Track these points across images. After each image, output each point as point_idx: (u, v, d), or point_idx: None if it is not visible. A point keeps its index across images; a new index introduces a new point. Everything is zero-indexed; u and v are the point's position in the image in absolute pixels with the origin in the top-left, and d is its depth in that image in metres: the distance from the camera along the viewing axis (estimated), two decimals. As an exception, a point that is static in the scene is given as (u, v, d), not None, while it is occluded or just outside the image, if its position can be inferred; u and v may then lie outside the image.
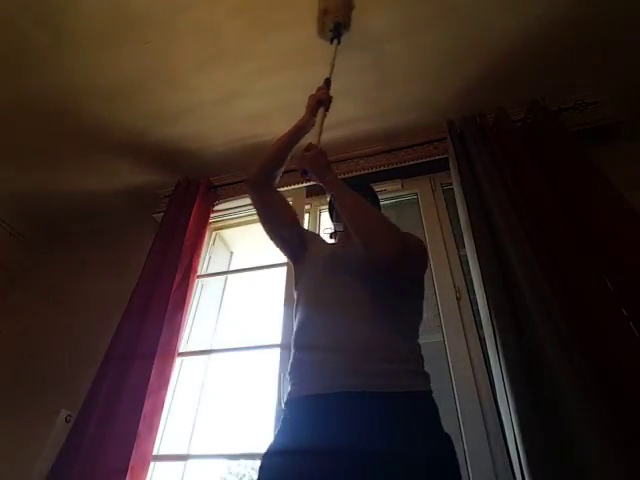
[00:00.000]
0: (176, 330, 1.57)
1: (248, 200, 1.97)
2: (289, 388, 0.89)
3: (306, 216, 1.83)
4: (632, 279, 1.09)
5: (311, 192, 1.89)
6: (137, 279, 1.70)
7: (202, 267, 1.92)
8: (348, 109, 1.74)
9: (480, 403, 1.22)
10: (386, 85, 1.64)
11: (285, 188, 1.92)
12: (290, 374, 0.91)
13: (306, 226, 1.81)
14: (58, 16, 1.38)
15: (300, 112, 1.75)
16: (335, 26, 1.35)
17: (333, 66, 1.33)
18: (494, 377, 1.14)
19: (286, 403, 0.88)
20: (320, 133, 1.15)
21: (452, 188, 1.60)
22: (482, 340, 1.30)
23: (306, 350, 0.91)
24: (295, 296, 1.07)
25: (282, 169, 1.17)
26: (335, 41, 1.35)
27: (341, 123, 1.81)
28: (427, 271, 1.04)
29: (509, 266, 1.18)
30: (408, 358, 0.86)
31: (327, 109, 1.23)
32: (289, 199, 1.87)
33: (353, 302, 0.92)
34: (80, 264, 2.22)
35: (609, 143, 1.57)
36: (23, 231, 2.35)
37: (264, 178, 1.14)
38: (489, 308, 1.16)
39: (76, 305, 2.03)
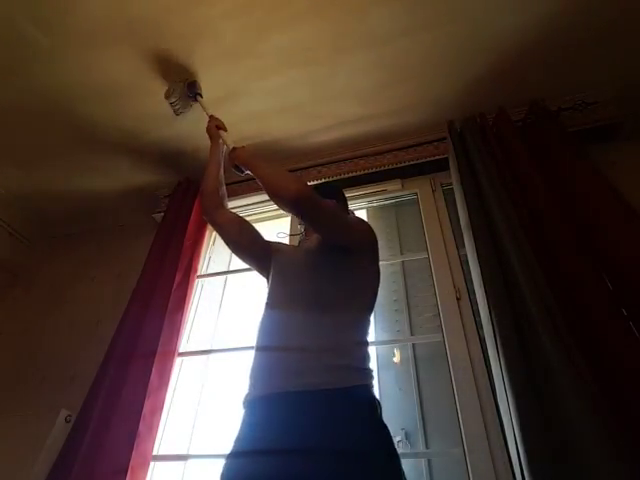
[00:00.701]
0: (176, 330, 1.57)
1: (248, 200, 1.99)
2: (247, 389, 0.94)
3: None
4: (632, 279, 1.09)
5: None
6: (137, 279, 1.70)
7: (202, 267, 1.92)
8: (348, 109, 1.74)
9: (480, 403, 1.22)
10: (386, 85, 1.64)
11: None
12: (249, 375, 0.96)
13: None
14: (58, 16, 1.38)
15: (300, 112, 1.76)
16: (188, 87, 1.56)
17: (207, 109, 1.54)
18: (494, 377, 1.14)
19: (242, 404, 0.93)
20: (227, 145, 1.37)
21: (452, 188, 1.60)
22: (482, 340, 1.30)
23: (258, 352, 0.97)
24: None
25: (223, 189, 1.36)
26: (198, 96, 1.57)
27: (341, 123, 1.81)
28: (429, 271, 1.05)
29: (509, 266, 1.18)
30: (341, 355, 0.89)
31: (225, 129, 1.46)
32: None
33: (295, 301, 0.99)
34: (80, 264, 2.22)
35: (609, 143, 1.57)
36: (23, 231, 2.35)
37: (208, 204, 1.29)
38: (489, 308, 1.16)
39: (76, 305, 2.03)
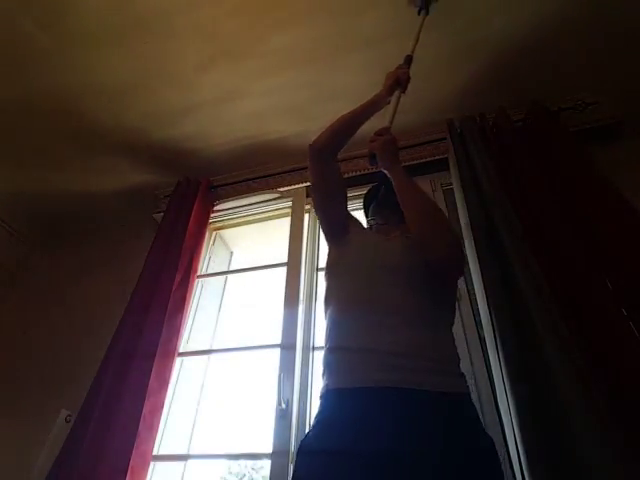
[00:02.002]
0: (176, 330, 1.57)
1: (248, 200, 1.99)
2: (325, 382, 0.86)
3: (306, 216, 1.83)
4: (632, 279, 1.09)
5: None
6: (137, 279, 1.70)
7: (202, 267, 1.92)
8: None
9: (480, 403, 1.21)
10: (417, 41, 1.62)
11: (285, 188, 1.92)
12: (329, 368, 0.87)
13: (306, 226, 1.80)
14: (59, 16, 1.38)
15: (300, 112, 1.76)
16: None
17: (417, 41, 1.27)
18: (494, 377, 1.14)
19: (322, 395, 0.85)
20: (393, 115, 1.15)
21: (452, 188, 1.60)
22: (482, 340, 1.30)
23: (345, 347, 0.88)
24: (328, 281, 1.04)
25: (348, 141, 1.15)
26: (423, 12, 1.31)
27: (341, 123, 1.80)
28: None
29: (509, 266, 1.18)
30: (451, 359, 0.86)
31: (404, 90, 1.21)
32: (289, 199, 1.90)
33: (398, 301, 0.90)
34: (80, 264, 2.22)
35: (609, 143, 1.57)
36: (23, 231, 2.35)
37: (332, 145, 1.12)
38: (489, 308, 1.16)
39: (76, 305, 2.03)
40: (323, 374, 0.89)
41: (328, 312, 0.98)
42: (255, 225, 2.07)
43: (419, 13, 1.33)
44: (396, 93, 1.19)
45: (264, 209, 1.99)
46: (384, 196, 1.19)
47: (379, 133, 1.10)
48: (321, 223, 1.16)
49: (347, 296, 0.96)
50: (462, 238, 0.94)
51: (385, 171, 1.07)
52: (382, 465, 0.68)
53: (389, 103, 1.17)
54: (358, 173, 1.85)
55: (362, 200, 1.53)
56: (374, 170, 1.12)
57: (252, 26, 1.43)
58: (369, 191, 1.31)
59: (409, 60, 1.26)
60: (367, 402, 0.76)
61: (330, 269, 1.07)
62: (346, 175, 1.84)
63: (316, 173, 1.12)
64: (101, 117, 1.74)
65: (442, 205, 1.70)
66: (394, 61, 1.54)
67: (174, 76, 1.59)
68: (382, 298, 0.91)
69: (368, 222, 1.26)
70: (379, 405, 0.75)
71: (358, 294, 0.95)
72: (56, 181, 2.10)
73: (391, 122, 1.12)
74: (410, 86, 1.63)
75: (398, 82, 1.21)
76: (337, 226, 1.11)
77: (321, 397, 0.85)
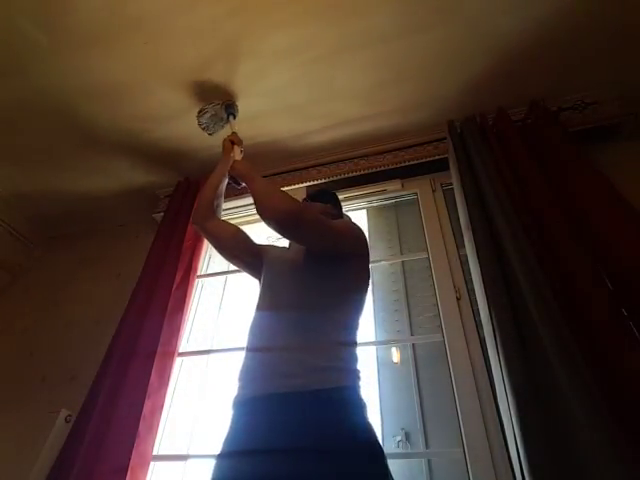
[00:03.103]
0: (176, 330, 1.57)
1: (248, 200, 1.98)
2: (235, 391, 0.95)
3: (306, 216, 1.83)
4: (632, 279, 1.09)
5: (311, 192, 1.89)
6: (137, 279, 1.70)
7: (202, 267, 1.92)
8: (348, 109, 1.74)
9: (480, 403, 1.22)
10: (386, 85, 1.64)
11: (286, 188, 1.92)
12: (237, 377, 0.97)
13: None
14: (57, 16, 1.38)
15: (299, 112, 1.76)
16: (226, 107, 1.61)
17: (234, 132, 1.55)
18: (494, 377, 1.14)
19: (231, 406, 0.94)
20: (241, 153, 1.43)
21: (452, 188, 1.60)
22: (482, 340, 1.30)
23: (247, 353, 0.99)
24: None
25: (220, 201, 1.38)
26: (231, 117, 1.61)
27: (341, 123, 1.81)
28: (429, 271, 1.05)
29: (509, 266, 1.18)
30: (327, 356, 0.89)
31: (240, 145, 1.48)
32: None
33: (280, 303, 1.00)
34: (80, 264, 2.22)
35: (609, 143, 1.57)
36: (23, 231, 2.35)
37: (203, 215, 1.30)
38: (489, 308, 1.16)
39: (76, 305, 2.03)
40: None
41: None
42: (255, 225, 2.07)
43: (229, 120, 1.62)
44: (236, 148, 1.44)
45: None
46: None
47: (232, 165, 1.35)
48: (246, 272, 1.30)
49: (256, 305, 1.09)
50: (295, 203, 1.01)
51: (244, 184, 1.24)
52: (261, 464, 0.77)
53: (233, 159, 1.40)
54: (358, 173, 1.86)
55: (362, 199, 1.55)
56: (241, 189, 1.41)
57: (252, 26, 1.43)
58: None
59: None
60: (251, 410, 0.87)
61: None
62: (352, 174, 1.84)
63: (209, 239, 1.30)
64: (101, 117, 1.74)
65: (442, 205, 1.71)
66: (393, 61, 1.55)
67: (174, 76, 1.59)
68: (271, 301, 1.03)
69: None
70: (258, 411, 0.85)
71: (259, 301, 1.09)
72: (56, 181, 2.10)
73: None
74: (410, 86, 1.64)
75: (233, 142, 1.46)
76: (254, 265, 1.24)
77: (230, 407, 0.94)
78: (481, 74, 1.59)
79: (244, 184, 1.25)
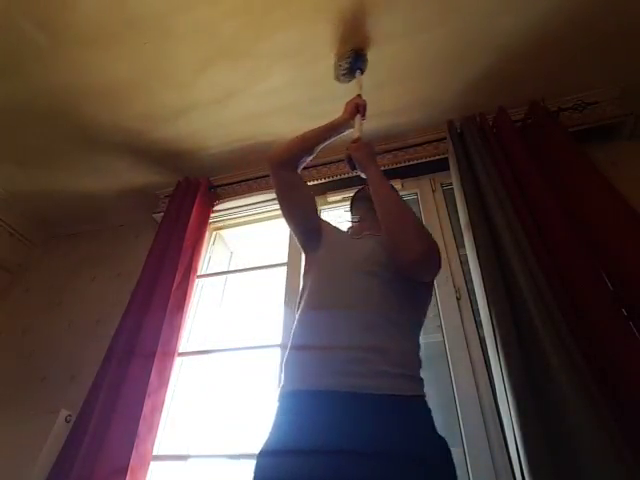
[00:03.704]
0: (176, 330, 1.57)
1: (248, 200, 1.99)
2: (282, 382, 0.88)
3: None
4: (632, 279, 1.09)
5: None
6: (137, 279, 1.70)
7: (202, 267, 1.92)
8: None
9: (480, 403, 1.21)
10: (386, 85, 1.64)
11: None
12: (286, 368, 0.89)
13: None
14: (57, 16, 1.38)
15: (299, 112, 1.76)
16: (355, 57, 1.45)
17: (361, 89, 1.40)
18: (494, 377, 1.14)
19: (279, 397, 0.86)
20: (360, 133, 1.22)
21: (452, 188, 1.60)
22: (482, 340, 1.30)
23: (305, 346, 0.90)
24: (301, 285, 1.06)
25: (308, 159, 1.16)
26: (358, 72, 1.45)
27: (341, 123, 1.80)
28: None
29: (509, 266, 1.18)
30: (402, 361, 0.85)
31: (363, 116, 1.28)
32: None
33: (357, 301, 0.90)
34: (80, 264, 2.22)
35: (609, 143, 1.57)
36: (23, 231, 2.35)
37: (289, 158, 1.12)
38: (489, 308, 1.16)
39: (76, 305, 2.03)
40: (280, 374, 0.90)
41: (297, 313, 1.00)
42: (255, 225, 2.07)
43: (356, 75, 1.47)
44: (357, 119, 1.26)
45: (264, 209, 2.00)
46: (365, 195, 1.20)
47: (354, 141, 1.16)
48: (294, 233, 1.16)
49: (311, 296, 0.97)
50: (434, 242, 0.92)
51: (362, 173, 1.10)
52: (323, 465, 0.70)
53: (350, 128, 1.25)
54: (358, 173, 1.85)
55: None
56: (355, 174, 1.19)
57: (251, 26, 1.43)
58: (355, 192, 1.32)
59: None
60: (316, 405, 0.78)
61: (305, 274, 1.08)
62: (349, 175, 1.84)
63: (275, 185, 1.13)
64: (101, 117, 1.74)
65: (442, 205, 1.71)
66: (393, 61, 1.55)
67: (173, 76, 1.59)
68: (343, 297, 0.91)
69: (350, 221, 1.28)
70: (325, 407, 0.77)
71: (321, 293, 0.96)
72: (56, 181, 2.10)
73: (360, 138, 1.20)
74: (410, 86, 1.64)
75: (358, 109, 1.27)
76: (308, 234, 1.12)
77: (278, 399, 0.86)
78: (481, 74, 1.59)
79: (362, 174, 1.10)
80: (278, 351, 1.46)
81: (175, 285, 1.64)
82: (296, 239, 1.16)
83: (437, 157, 1.76)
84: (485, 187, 1.39)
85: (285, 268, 1.69)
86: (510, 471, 1.08)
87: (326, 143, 1.19)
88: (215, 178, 2.05)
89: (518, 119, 1.64)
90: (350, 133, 1.24)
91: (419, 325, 0.96)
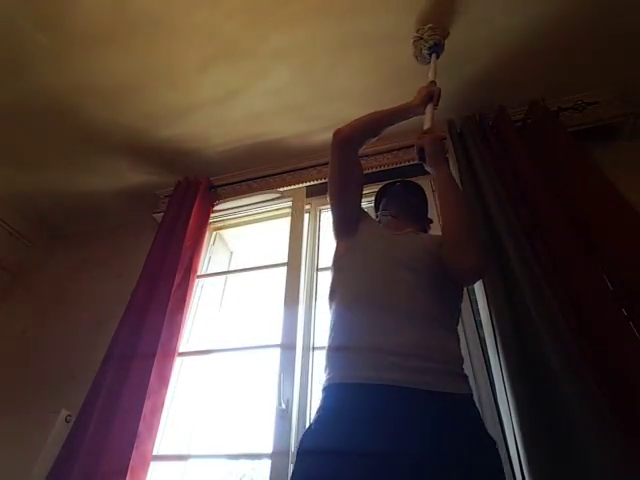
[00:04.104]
0: (176, 330, 1.57)
1: (248, 200, 1.98)
2: (328, 376, 0.84)
3: (306, 216, 1.83)
4: (632, 279, 1.09)
5: (311, 192, 1.89)
6: (137, 279, 1.70)
7: (202, 267, 1.92)
8: (348, 109, 1.73)
9: (480, 403, 1.21)
10: (385, 85, 1.64)
11: (285, 188, 1.92)
12: (332, 363, 0.86)
13: (306, 226, 1.80)
14: (58, 16, 1.38)
15: (299, 112, 1.76)
16: (434, 44, 1.43)
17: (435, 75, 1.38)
18: (494, 377, 1.14)
19: (325, 389, 0.83)
20: (433, 123, 1.19)
21: (452, 188, 1.59)
22: (482, 340, 1.30)
23: (352, 344, 0.86)
24: (334, 273, 1.03)
25: (374, 139, 1.16)
26: (434, 55, 1.43)
27: (341, 123, 1.79)
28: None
29: (509, 266, 1.18)
30: (456, 360, 0.85)
31: (436, 104, 1.25)
32: (289, 199, 1.90)
33: (405, 298, 0.88)
34: (80, 264, 2.22)
35: (609, 143, 1.57)
36: (23, 231, 2.35)
37: (358, 138, 1.11)
38: (489, 308, 1.16)
39: (76, 305, 2.03)
40: (325, 369, 0.87)
41: (333, 306, 0.97)
42: (255, 225, 2.07)
43: (431, 57, 1.44)
44: (429, 107, 1.23)
45: (264, 209, 1.99)
46: (400, 191, 1.21)
47: (425, 132, 1.13)
48: (333, 215, 1.12)
49: (354, 290, 0.94)
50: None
51: (429, 168, 1.07)
52: (384, 465, 0.67)
53: (420, 114, 1.23)
54: (367, 171, 1.85)
55: (362, 199, 1.52)
56: (416, 163, 1.16)
57: (252, 26, 1.43)
58: (383, 186, 1.32)
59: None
60: (371, 399, 0.75)
61: (338, 262, 1.05)
62: (368, 171, 1.84)
63: (337, 162, 1.10)
64: (101, 117, 1.74)
65: (442, 205, 1.70)
66: (393, 61, 1.55)
67: (174, 76, 1.59)
68: (392, 296, 0.89)
69: (377, 216, 1.26)
70: (384, 403, 0.74)
71: (366, 289, 0.93)
72: (56, 181, 2.10)
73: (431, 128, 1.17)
74: (410, 86, 1.63)
75: (431, 96, 1.24)
76: (349, 219, 1.09)
77: (323, 390, 0.83)
78: (481, 74, 1.59)
79: (428, 168, 1.08)
80: (278, 351, 1.46)
81: (175, 285, 1.64)
82: (333, 221, 1.12)
83: (437, 157, 1.75)
84: (485, 187, 1.38)
85: (285, 268, 1.69)
86: (510, 471, 1.08)
87: (391, 126, 1.19)
88: (215, 178, 2.05)
89: (518, 119, 1.64)
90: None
91: (457, 323, 0.96)
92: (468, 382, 0.84)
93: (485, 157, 1.47)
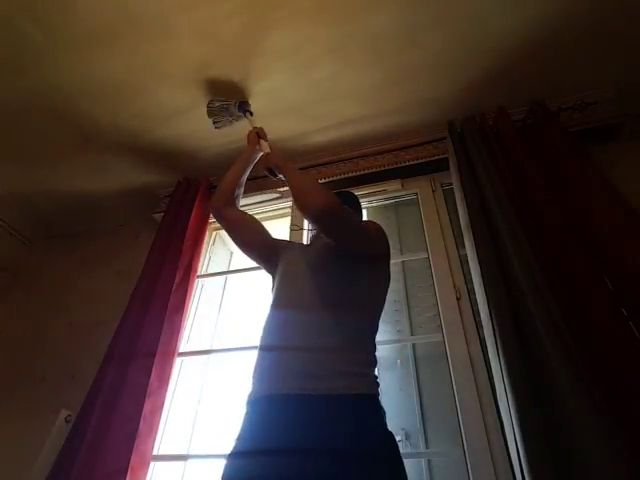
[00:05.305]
0: (176, 330, 1.57)
1: (248, 200, 1.98)
2: (250, 388, 0.94)
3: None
4: (632, 279, 1.09)
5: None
6: (137, 279, 1.70)
7: (202, 267, 1.92)
8: (348, 109, 1.74)
9: (480, 403, 1.21)
10: (385, 85, 1.64)
11: (285, 188, 1.92)
12: (252, 374, 0.96)
13: (306, 226, 1.80)
14: (56, 16, 1.38)
15: (299, 112, 1.76)
16: (239, 105, 1.60)
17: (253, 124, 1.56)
18: (494, 377, 1.14)
19: (246, 403, 0.93)
20: (269, 147, 1.39)
21: (452, 188, 1.60)
22: (482, 340, 1.30)
23: (264, 351, 0.97)
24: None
25: (240, 191, 1.34)
26: (248, 114, 1.60)
27: (341, 123, 1.81)
28: (429, 271, 1.05)
29: (509, 266, 1.18)
30: (354, 360, 0.88)
31: (265, 138, 1.45)
32: (289, 199, 1.90)
33: (307, 303, 0.97)
34: (80, 264, 2.22)
35: (609, 143, 1.57)
36: (23, 231, 2.35)
37: (224, 199, 1.28)
38: (489, 308, 1.16)
39: (76, 305, 2.03)
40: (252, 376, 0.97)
41: None
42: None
43: (245, 116, 1.61)
44: (262, 142, 1.41)
45: (264, 209, 2.00)
46: None
47: (265, 155, 1.34)
48: (255, 262, 1.27)
49: (272, 302, 1.07)
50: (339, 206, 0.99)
51: (281, 175, 1.21)
52: (276, 464, 0.76)
53: (259, 152, 1.41)
54: (358, 173, 1.86)
55: (362, 199, 1.53)
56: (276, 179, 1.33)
57: (251, 26, 1.43)
58: None
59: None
60: (269, 409, 0.85)
61: (272, 291, 1.16)
62: (352, 174, 1.84)
63: (227, 226, 1.27)
64: (101, 117, 1.74)
65: (442, 205, 1.71)
66: (393, 61, 1.55)
67: (174, 76, 1.59)
68: (298, 296, 1.00)
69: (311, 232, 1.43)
70: (277, 411, 0.83)
71: (278, 298, 1.06)
72: (56, 181, 2.10)
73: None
74: (410, 86, 1.64)
75: (258, 135, 1.44)
76: (268, 257, 1.23)
77: (245, 405, 0.93)
78: (481, 74, 1.59)
79: (281, 176, 1.22)
80: (278, 351, 1.46)
81: (175, 285, 1.64)
82: (260, 266, 1.27)
83: (437, 157, 1.76)
84: (485, 187, 1.39)
85: (285, 268, 1.69)
86: (510, 471, 1.08)
87: (247, 174, 1.38)
88: (215, 178, 2.05)
89: (518, 119, 1.64)
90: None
91: (374, 324, 1.00)
92: (370, 381, 0.88)
93: (485, 157, 1.47)
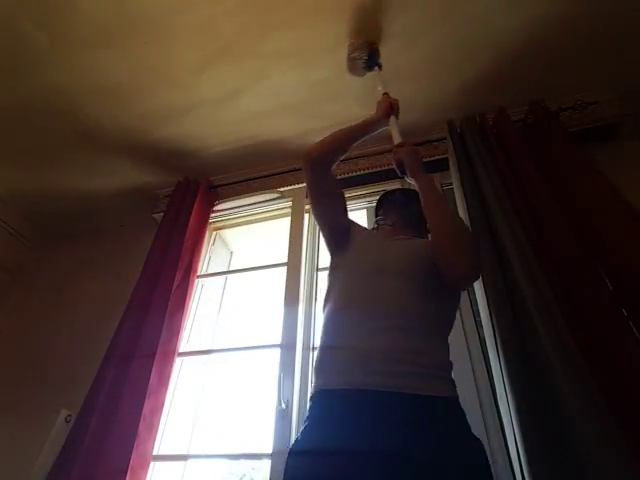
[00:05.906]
0: (176, 330, 1.57)
1: (248, 200, 1.98)
2: (314, 382, 0.88)
3: (306, 216, 1.83)
4: (632, 279, 1.09)
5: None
6: (137, 279, 1.70)
7: (202, 267, 1.92)
8: (348, 109, 1.74)
9: (480, 403, 1.21)
10: (386, 85, 1.64)
11: (285, 188, 1.92)
12: (318, 368, 0.89)
13: (306, 226, 1.80)
14: (57, 16, 1.38)
15: (300, 112, 1.76)
16: (369, 56, 1.45)
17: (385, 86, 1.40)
18: (494, 377, 1.14)
19: (312, 396, 0.87)
20: (400, 135, 1.23)
21: (452, 188, 1.60)
22: (482, 340, 1.30)
23: (336, 346, 0.89)
24: (329, 280, 1.07)
25: (341, 157, 1.15)
26: (376, 68, 1.45)
27: (340, 123, 1.79)
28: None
29: (509, 266, 1.18)
30: (444, 366, 0.86)
31: (397, 116, 1.28)
32: (289, 199, 1.90)
33: (395, 303, 0.90)
34: (80, 264, 2.22)
35: (609, 143, 1.57)
36: (23, 231, 2.35)
37: (326, 158, 1.11)
38: (489, 308, 1.16)
39: (76, 305, 2.03)
40: (314, 373, 0.90)
41: (325, 311, 1.00)
42: (255, 225, 2.07)
43: (372, 69, 1.47)
44: (393, 119, 1.25)
45: (264, 209, 1.99)
46: (398, 200, 1.24)
47: (399, 145, 1.16)
48: (321, 230, 1.16)
49: (345, 295, 0.97)
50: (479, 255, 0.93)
51: (410, 179, 1.09)
52: (364, 465, 0.70)
53: (383, 127, 1.25)
54: (358, 173, 1.86)
55: (362, 199, 1.52)
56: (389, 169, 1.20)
57: (252, 26, 1.43)
58: (383, 195, 1.34)
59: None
60: (353, 404, 0.78)
61: (332, 271, 1.08)
62: (352, 174, 1.84)
63: (311, 184, 1.12)
64: (101, 117, 1.74)
65: (442, 205, 1.70)
66: (393, 61, 1.55)
67: (174, 76, 1.59)
68: (382, 300, 0.91)
69: (375, 222, 1.28)
70: (366, 407, 0.77)
71: (357, 294, 0.95)
72: (56, 181, 2.10)
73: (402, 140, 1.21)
74: (410, 86, 1.64)
75: (392, 108, 1.27)
76: (337, 233, 1.11)
77: (311, 398, 0.87)
78: (481, 74, 1.59)
79: (411, 181, 1.09)
80: (278, 351, 1.46)
81: (175, 285, 1.64)
82: (323, 237, 1.16)
83: (437, 157, 1.76)
84: (485, 187, 1.39)
85: (285, 268, 1.69)
86: (510, 471, 1.08)
87: (359, 142, 1.18)
88: (215, 178, 2.05)
89: (518, 119, 1.64)
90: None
91: (450, 329, 0.97)
92: (451, 385, 0.84)
93: (485, 157, 1.47)
